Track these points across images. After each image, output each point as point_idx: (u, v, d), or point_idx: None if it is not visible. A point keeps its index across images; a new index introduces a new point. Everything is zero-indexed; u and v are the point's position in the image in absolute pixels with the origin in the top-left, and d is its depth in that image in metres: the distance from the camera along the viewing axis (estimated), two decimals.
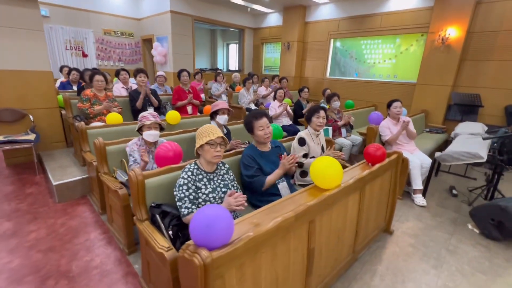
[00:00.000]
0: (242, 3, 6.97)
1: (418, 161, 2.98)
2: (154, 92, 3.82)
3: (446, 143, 4.38)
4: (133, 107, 3.60)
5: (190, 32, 6.95)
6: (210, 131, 1.49)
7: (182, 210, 1.41)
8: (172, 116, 3.14)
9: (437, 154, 2.83)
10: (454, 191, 3.20)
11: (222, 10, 7.57)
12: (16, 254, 1.92)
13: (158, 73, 4.74)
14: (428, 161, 3.05)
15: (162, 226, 1.39)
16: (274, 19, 7.99)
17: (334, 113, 3.95)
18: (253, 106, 5.23)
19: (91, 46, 7.01)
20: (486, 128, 4.01)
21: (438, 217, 2.68)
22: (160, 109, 3.90)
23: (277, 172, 1.82)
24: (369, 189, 1.87)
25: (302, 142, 2.32)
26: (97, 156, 2.11)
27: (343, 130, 3.92)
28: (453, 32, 4.54)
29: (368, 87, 6.14)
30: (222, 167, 1.66)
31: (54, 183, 2.60)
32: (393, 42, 5.75)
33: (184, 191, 1.44)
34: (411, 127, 3.25)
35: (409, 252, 2.13)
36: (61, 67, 5.15)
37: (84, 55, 6.98)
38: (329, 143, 3.57)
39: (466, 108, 4.65)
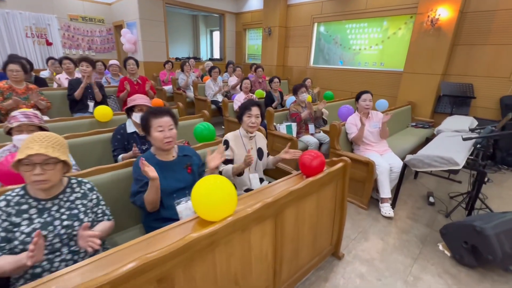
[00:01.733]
0: None
1: (386, 165, 2.50)
2: (100, 85, 3.36)
3: (429, 140, 3.89)
4: (69, 95, 3.15)
5: (161, 17, 6.39)
6: (27, 144, 1.02)
7: None
8: (101, 112, 2.68)
9: (408, 157, 2.35)
10: (431, 199, 2.73)
11: None
12: None
13: (111, 61, 4.25)
14: (400, 164, 2.57)
15: None
16: (255, 2, 7.36)
17: (301, 106, 3.45)
18: (221, 99, 4.74)
19: (55, 33, 6.49)
20: (476, 123, 3.50)
21: (405, 233, 2.23)
22: (104, 103, 3.44)
23: (152, 184, 1.34)
24: (293, 212, 1.42)
25: (225, 145, 1.86)
26: None
27: (311, 126, 3.44)
28: (444, 12, 3.95)
29: (353, 76, 5.59)
30: (77, 189, 1.21)
31: None
32: (380, 25, 5.16)
33: None
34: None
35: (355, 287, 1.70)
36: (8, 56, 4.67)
37: (49, 43, 6.48)
38: (290, 141, 3.12)
39: (457, 100, 4.13)
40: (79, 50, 6.98)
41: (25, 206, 1.06)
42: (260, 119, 1.91)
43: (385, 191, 2.50)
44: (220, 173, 1.80)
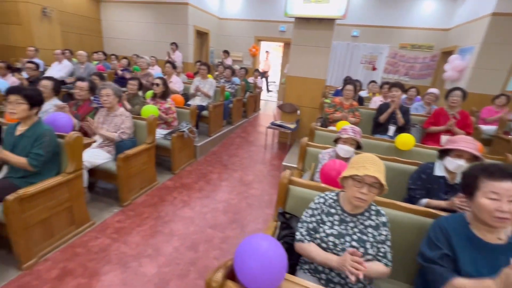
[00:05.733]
0: None
1: None
2: (405, 111, 3.35)
3: None
4: (375, 118, 3.45)
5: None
6: (363, 163, 1.10)
7: (296, 233, 1.25)
8: (403, 140, 2.60)
9: None
10: None
11: None
12: (238, 197, 2.83)
13: (431, 90, 4.00)
14: None
15: (275, 235, 1.34)
16: None
17: None
18: None
19: (382, 60, 7.42)
20: None
21: None
22: (405, 129, 3.37)
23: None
24: None
25: None
26: (299, 151, 2.39)
27: None
28: None
29: None
30: (373, 217, 1.18)
31: (283, 163, 3.36)
32: None
33: (308, 216, 1.25)
34: None
35: None
36: (344, 78, 6.06)
37: (374, 69, 7.58)
38: None
39: None
40: (395, 75, 7.47)
41: (333, 210, 1.22)
42: None
43: None
44: None
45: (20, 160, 1.69)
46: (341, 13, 3.70)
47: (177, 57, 6.98)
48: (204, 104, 4.23)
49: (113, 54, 6.51)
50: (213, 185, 3.05)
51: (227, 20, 8.67)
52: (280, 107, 4.40)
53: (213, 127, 4.23)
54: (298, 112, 4.28)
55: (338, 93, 5.48)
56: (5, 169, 1.83)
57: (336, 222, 1.20)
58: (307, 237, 1.22)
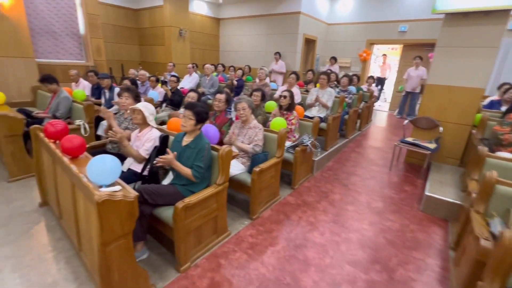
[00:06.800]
0: None
1: None
2: None
3: None
4: None
5: None
6: None
7: None
8: None
9: None
10: None
11: None
12: (372, 228, 2.42)
13: None
14: None
15: None
16: None
17: None
18: None
19: None
20: None
21: None
22: None
23: None
24: None
25: None
26: (480, 189, 1.79)
27: None
28: None
29: None
30: None
31: (426, 193, 2.71)
32: None
33: None
34: None
35: None
36: (501, 85, 4.66)
37: None
38: None
39: None
40: None
41: None
42: None
43: None
44: None
45: (186, 171, 1.85)
46: None
47: (281, 66, 7.07)
48: (321, 115, 3.98)
49: (231, 66, 7.14)
50: (338, 208, 2.73)
51: (336, 25, 8.23)
52: (413, 121, 3.69)
53: (330, 140, 3.93)
54: (441, 129, 3.47)
55: (493, 105, 4.24)
56: (171, 175, 2.05)
57: None
58: None
